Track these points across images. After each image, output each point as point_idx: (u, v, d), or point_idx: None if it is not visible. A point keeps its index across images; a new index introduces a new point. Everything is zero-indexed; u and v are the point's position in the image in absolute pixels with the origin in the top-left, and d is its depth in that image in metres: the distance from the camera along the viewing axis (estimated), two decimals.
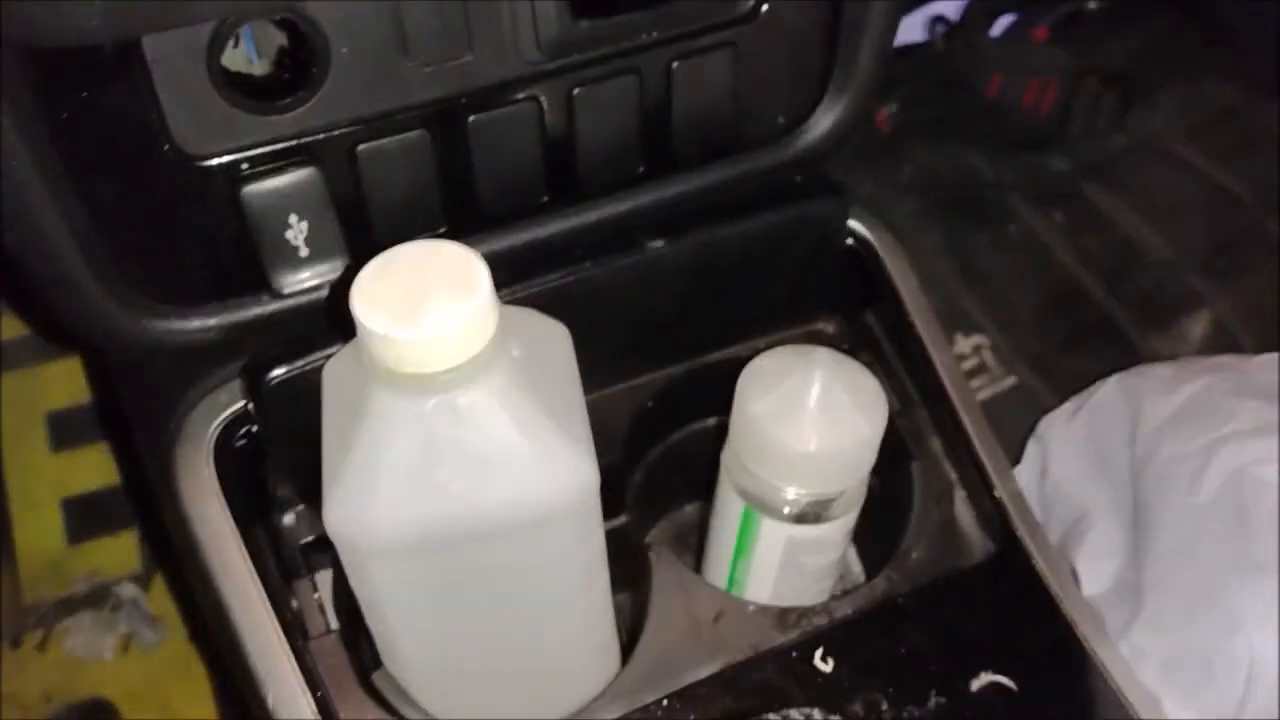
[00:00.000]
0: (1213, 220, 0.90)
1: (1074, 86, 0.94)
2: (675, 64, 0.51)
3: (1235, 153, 0.93)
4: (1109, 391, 0.69)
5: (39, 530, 0.94)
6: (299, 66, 0.46)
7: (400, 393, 0.39)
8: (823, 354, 0.49)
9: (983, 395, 0.80)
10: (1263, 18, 0.99)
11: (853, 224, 0.58)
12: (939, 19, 0.96)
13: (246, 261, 0.48)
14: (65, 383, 1.00)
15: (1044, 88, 0.95)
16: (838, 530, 0.51)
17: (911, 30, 1.00)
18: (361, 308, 0.38)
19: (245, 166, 0.46)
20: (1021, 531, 0.53)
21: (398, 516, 0.41)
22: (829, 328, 0.61)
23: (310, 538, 0.54)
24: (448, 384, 0.39)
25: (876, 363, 0.58)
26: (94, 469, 0.96)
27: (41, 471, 0.96)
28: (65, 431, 0.97)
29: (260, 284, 0.49)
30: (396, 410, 0.39)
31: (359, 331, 0.38)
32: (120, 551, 0.93)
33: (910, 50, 0.99)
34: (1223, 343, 0.84)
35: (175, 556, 0.53)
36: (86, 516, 0.94)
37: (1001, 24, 1.02)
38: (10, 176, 0.42)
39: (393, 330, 0.37)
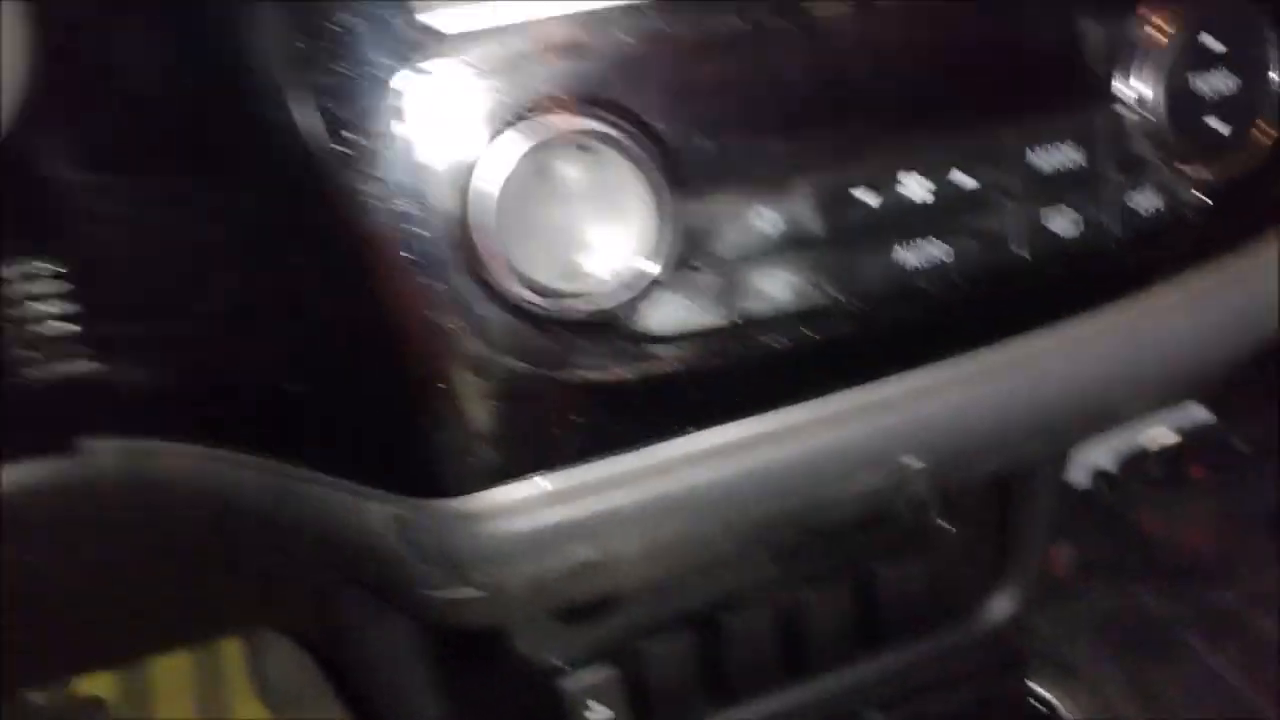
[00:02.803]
0: None
1: (1232, 524, 1.05)
2: (882, 567, 0.66)
3: None
4: None
5: None
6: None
7: None
8: None
9: None
10: None
11: (1035, 686, 0.69)
12: (1101, 473, 1.09)
13: None
14: None
15: (1204, 527, 1.05)
16: None
17: (1077, 475, 1.13)
18: None
19: (562, 664, 0.62)
20: None
21: None
22: None
23: None
24: None
25: None
26: None
27: None
28: None
29: None
30: None
31: None
32: None
33: (1079, 497, 1.11)
34: None
35: None
36: None
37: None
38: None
39: None
